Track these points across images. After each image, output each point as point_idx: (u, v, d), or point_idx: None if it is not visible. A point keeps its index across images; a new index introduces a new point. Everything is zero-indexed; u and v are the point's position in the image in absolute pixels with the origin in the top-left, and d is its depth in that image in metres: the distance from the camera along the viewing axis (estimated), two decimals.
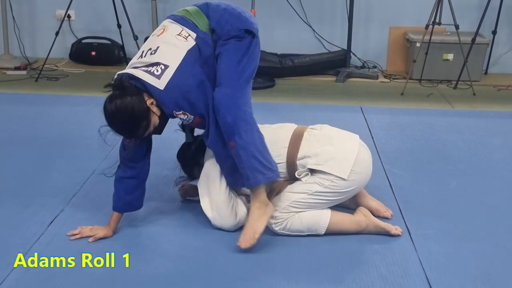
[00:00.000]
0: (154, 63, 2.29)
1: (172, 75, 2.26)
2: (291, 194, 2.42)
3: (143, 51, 2.38)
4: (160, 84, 2.25)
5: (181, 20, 2.41)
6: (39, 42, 5.56)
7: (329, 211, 2.47)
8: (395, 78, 5.13)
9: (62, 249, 2.32)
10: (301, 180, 2.44)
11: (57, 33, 4.84)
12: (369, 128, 3.81)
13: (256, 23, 2.47)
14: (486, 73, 5.24)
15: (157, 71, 2.26)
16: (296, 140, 2.49)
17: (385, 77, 5.19)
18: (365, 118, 4.03)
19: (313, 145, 2.47)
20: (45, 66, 4.92)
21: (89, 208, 2.63)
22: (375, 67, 5.36)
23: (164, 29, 2.41)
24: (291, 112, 4.10)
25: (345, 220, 2.49)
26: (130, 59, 5.28)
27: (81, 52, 5.38)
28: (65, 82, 4.86)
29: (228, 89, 2.30)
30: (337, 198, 2.45)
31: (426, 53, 4.82)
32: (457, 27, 4.55)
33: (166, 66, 2.27)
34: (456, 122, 4.00)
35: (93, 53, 5.35)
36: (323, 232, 2.44)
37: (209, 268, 2.23)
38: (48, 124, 3.78)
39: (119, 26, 5.16)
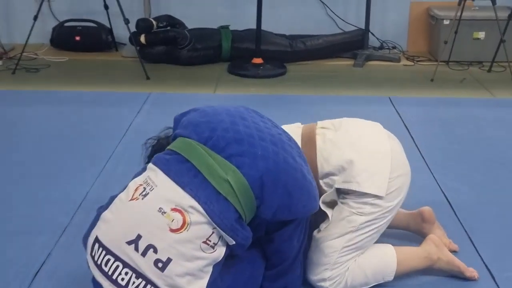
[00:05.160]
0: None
1: None
2: (333, 241, 1.86)
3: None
4: None
5: (219, 214, 1.55)
6: (15, 27, 4.93)
7: (392, 250, 1.95)
8: (419, 60, 4.59)
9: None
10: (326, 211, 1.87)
11: (35, 18, 4.21)
12: (405, 126, 3.28)
13: (316, 192, 1.74)
14: None
15: None
16: (310, 150, 1.89)
17: (407, 59, 4.65)
18: (397, 112, 3.50)
19: (334, 154, 1.89)
20: (23, 54, 4.31)
21: None
22: (394, 47, 4.81)
23: (184, 220, 1.53)
24: (309, 105, 3.56)
25: (413, 255, 1.98)
26: (120, 43, 4.90)
27: (64, 38, 4.80)
28: (47, 74, 4.26)
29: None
30: (388, 218, 1.91)
31: (456, 32, 4.28)
32: (494, 1, 4.02)
33: None
34: (502, 114, 3.49)
35: (77, 38, 4.78)
36: (392, 277, 1.93)
37: None
38: (30, 131, 3.20)
39: (106, 7, 4.56)
